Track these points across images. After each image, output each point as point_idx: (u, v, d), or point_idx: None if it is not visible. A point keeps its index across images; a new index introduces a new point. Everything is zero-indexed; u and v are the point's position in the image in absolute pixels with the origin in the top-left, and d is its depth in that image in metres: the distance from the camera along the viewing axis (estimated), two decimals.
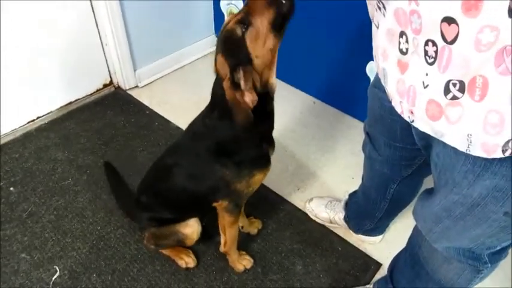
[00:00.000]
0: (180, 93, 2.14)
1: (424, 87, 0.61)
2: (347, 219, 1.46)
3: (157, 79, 2.24)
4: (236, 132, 0.97)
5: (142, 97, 2.11)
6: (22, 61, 1.76)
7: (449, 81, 0.57)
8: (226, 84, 0.89)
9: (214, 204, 1.16)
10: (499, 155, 0.57)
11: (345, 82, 1.95)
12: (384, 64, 0.71)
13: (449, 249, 0.85)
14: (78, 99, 2.05)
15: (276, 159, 1.13)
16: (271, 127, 1.07)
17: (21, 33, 1.70)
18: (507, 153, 0.57)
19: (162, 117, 1.98)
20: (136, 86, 2.17)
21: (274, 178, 1.60)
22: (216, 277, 1.36)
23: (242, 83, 0.88)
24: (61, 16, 1.79)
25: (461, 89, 0.56)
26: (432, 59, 0.58)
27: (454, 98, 0.57)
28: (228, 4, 2.22)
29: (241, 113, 0.90)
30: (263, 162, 1.09)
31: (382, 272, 1.38)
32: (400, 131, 0.95)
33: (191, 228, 1.23)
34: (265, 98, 0.97)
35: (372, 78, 1.67)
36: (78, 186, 1.64)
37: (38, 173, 1.68)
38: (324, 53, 1.93)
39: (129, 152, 1.80)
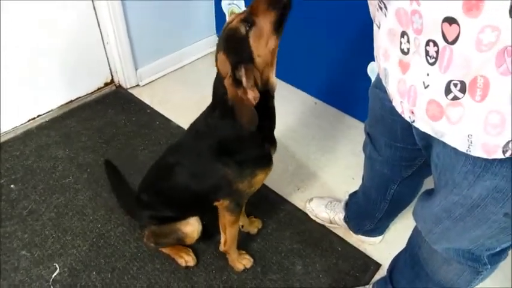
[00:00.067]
0: (181, 93, 2.14)
1: (425, 88, 0.61)
2: (347, 219, 1.46)
3: (159, 78, 2.24)
4: (238, 131, 0.97)
5: (144, 96, 2.11)
6: (23, 59, 1.77)
7: (450, 81, 0.57)
8: (228, 82, 0.90)
9: (216, 203, 1.16)
10: (499, 155, 0.57)
11: (346, 82, 1.95)
12: (385, 64, 0.71)
13: (449, 250, 0.85)
14: (79, 97, 2.05)
15: (277, 159, 1.13)
16: (272, 126, 1.07)
17: (22, 32, 1.71)
18: (507, 154, 0.57)
19: (163, 116, 1.98)
20: (138, 85, 2.17)
21: (274, 178, 1.60)
22: (216, 276, 1.36)
23: (244, 80, 0.88)
24: (63, 15, 1.79)
25: (462, 89, 0.56)
26: (433, 59, 0.58)
27: (455, 98, 0.57)
28: (229, 4, 2.22)
29: (244, 112, 0.90)
30: (265, 161, 1.09)
31: (382, 272, 1.38)
32: (400, 132, 0.95)
33: (191, 227, 1.24)
34: (266, 96, 0.97)
35: (373, 79, 1.67)
36: (79, 184, 1.64)
37: (39, 171, 1.69)
38: (325, 54, 1.93)
39: (130, 150, 1.80)
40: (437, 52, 0.56)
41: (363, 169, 1.27)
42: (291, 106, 2.05)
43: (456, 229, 0.77)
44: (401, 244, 1.11)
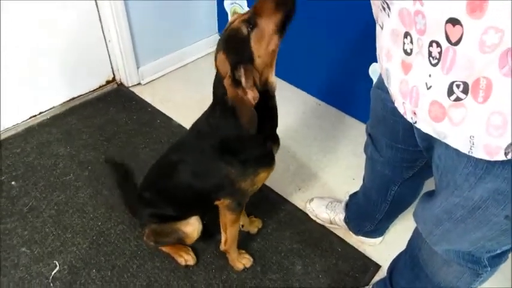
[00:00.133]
0: (182, 92, 2.15)
1: (427, 89, 0.61)
2: (347, 220, 1.46)
3: (160, 77, 2.24)
4: (239, 130, 0.97)
5: (145, 94, 2.11)
6: (25, 56, 1.77)
7: (452, 82, 0.56)
8: (227, 82, 0.90)
9: (217, 202, 1.16)
10: (501, 157, 0.57)
11: (348, 83, 1.95)
12: (388, 65, 0.71)
13: (449, 252, 0.85)
14: (81, 95, 2.06)
15: (278, 159, 1.13)
16: (274, 125, 1.08)
17: (24, 30, 1.71)
18: (509, 156, 0.57)
19: (164, 115, 1.99)
20: (139, 83, 2.17)
21: (275, 178, 1.60)
22: (216, 275, 1.36)
23: (243, 80, 0.88)
24: (66, 13, 1.80)
25: (465, 91, 0.56)
26: (436, 60, 0.57)
27: (458, 99, 0.57)
28: (232, 3, 2.22)
29: (244, 112, 0.90)
30: (267, 160, 1.09)
31: (381, 273, 1.38)
32: (402, 133, 0.95)
33: (192, 227, 1.24)
34: (266, 96, 0.97)
35: (374, 80, 1.67)
36: (79, 181, 1.64)
37: (40, 168, 1.69)
38: (327, 54, 1.93)
39: (131, 148, 1.80)
40: (440, 53, 0.56)
41: (364, 170, 1.27)
42: (292, 106, 2.05)
43: (457, 231, 0.77)
44: (401, 245, 1.11)
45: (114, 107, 2.02)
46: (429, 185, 0.98)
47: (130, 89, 2.14)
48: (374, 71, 1.76)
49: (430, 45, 0.57)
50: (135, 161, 1.72)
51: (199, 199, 1.19)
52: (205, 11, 2.29)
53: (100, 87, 2.11)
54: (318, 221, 1.53)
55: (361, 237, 1.46)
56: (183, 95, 2.12)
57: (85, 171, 1.68)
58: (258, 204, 1.51)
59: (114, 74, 2.14)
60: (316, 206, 1.54)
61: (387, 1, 0.65)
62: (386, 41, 0.69)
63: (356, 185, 1.41)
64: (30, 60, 1.79)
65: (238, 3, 2.19)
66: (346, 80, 1.94)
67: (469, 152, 0.61)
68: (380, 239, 1.47)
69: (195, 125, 1.14)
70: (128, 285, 1.32)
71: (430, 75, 0.60)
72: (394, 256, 1.18)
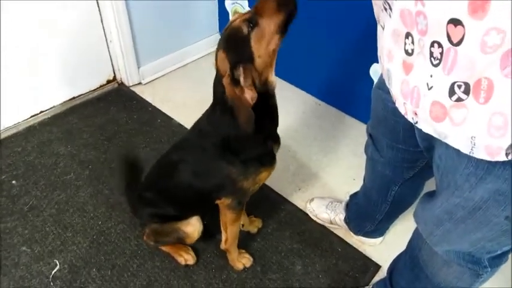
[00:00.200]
0: (183, 91, 2.15)
1: (429, 89, 0.61)
2: (347, 220, 1.46)
3: (161, 76, 2.24)
4: (238, 129, 0.98)
5: (146, 94, 2.11)
6: (27, 56, 1.77)
7: (454, 83, 0.56)
8: (226, 81, 0.90)
9: (217, 201, 1.16)
10: (502, 158, 0.57)
11: (348, 83, 1.95)
12: (389, 65, 0.71)
13: (450, 253, 0.85)
14: (82, 94, 2.06)
15: (278, 158, 1.13)
16: (275, 124, 1.08)
17: (25, 29, 1.71)
18: (510, 157, 0.57)
19: (165, 115, 1.99)
20: (140, 83, 2.18)
21: (275, 178, 1.60)
22: (216, 275, 1.36)
23: (242, 79, 0.88)
24: (68, 13, 1.80)
25: (466, 91, 0.56)
26: (437, 61, 0.57)
27: (459, 99, 0.57)
28: (233, 3, 2.22)
29: (242, 111, 0.91)
30: (268, 159, 1.09)
31: (381, 274, 1.38)
32: (402, 133, 0.95)
33: (192, 227, 1.24)
34: (266, 95, 0.97)
35: (375, 81, 1.67)
36: (80, 181, 1.64)
37: (40, 167, 1.69)
38: (328, 54, 1.93)
39: (132, 148, 1.80)
40: (441, 53, 0.56)
41: (364, 170, 1.27)
42: (293, 106, 2.05)
43: (457, 231, 0.77)
44: (401, 246, 1.11)
45: (114, 106, 2.03)
46: (430, 185, 0.98)
47: (131, 88, 2.15)
48: (375, 71, 1.76)
49: (432, 45, 0.57)
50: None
51: (200, 198, 1.19)
52: (206, 11, 2.29)
53: (101, 86, 2.12)
54: (318, 221, 1.53)
55: (362, 238, 1.46)
56: (183, 94, 2.12)
57: (85, 170, 1.68)
58: (258, 204, 1.51)
59: (114, 73, 2.14)
60: (317, 206, 1.54)
61: (389, 1, 0.65)
62: (387, 41, 0.69)
63: (356, 185, 1.41)
64: (31, 60, 1.79)
65: (239, 3, 2.19)
66: (347, 80, 1.94)
67: (470, 153, 0.61)
68: (380, 239, 1.47)
69: (197, 124, 1.14)
70: (128, 284, 1.32)
71: (431, 76, 0.60)
72: (394, 256, 1.18)
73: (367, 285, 1.34)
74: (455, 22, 0.52)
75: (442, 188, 0.76)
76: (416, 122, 0.69)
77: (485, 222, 0.70)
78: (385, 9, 0.68)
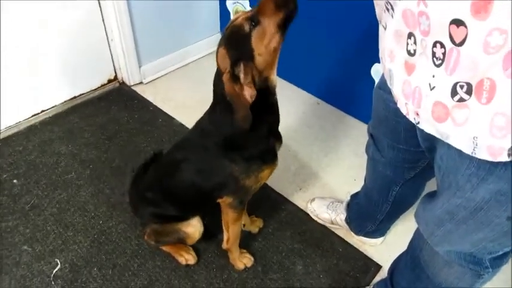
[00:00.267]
0: (184, 91, 2.15)
1: (431, 89, 0.61)
2: (348, 220, 1.46)
3: (162, 76, 2.24)
4: (237, 127, 0.98)
5: (147, 93, 2.12)
6: (26, 55, 1.77)
7: (456, 83, 0.56)
8: (225, 77, 0.90)
9: (219, 200, 1.17)
10: (504, 158, 0.57)
11: (349, 83, 1.95)
12: (391, 65, 0.71)
13: (451, 253, 0.85)
14: (83, 93, 2.06)
15: (279, 158, 1.13)
16: (276, 121, 1.08)
17: (27, 28, 1.71)
18: None
19: (166, 114, 1.99)
20: (141, 82, 2.18)
21: (276, 178, 1.60)
22: (217, 274, 1.36)
23: (242, 76, 0.89)
24: (69, 13, 1.80)
25: (469, 91, 0.56)
26: (440, 61, 0.57)
27: (461, 100, 0.57)
28: (234, 3, 2.22)
29: (240, 108, 0.91)
30: (270, 157, 1.09)
31: (382, 274, 1.38)
32: (404, 133, 0.95)
33: (193, 228, 1.24)
34: (266, 93, 0.97)
35: (376, 81, 1.67)
36: (81, 180, 1.64)
37: (41, 166, 1.69)
38: (328, 54, 1.93)
39: (133, 147, 1.81)
40: (444, 54, 0.56)
41: (365, 170, 1.27)
42: (293, 106, 2.05)
43: (458, 232, 0.77)
44: (402, 246, 1.11)
45: (116, 105, 2.03)
46: (431, 185, 0.98)
47: (132, 88, 2.15)
48: (376, 71, 1.76)
49: (434, 46, 0.57)
50: (137, 160, 1.72)
51: (202, 197, 1.19)
52: (207, 11, 2.29)
53: (102, 86, 2.12)
54: (319, 221, 1.53)
55: (362, 238, 1.46)
56: (184, 94, 2.12)
57: (87, 169, 1.69)
58: (259, 204, 1.51)
59: (116, 73, 2.14)
60: (318, 206, 1.54)
61: (391, 2, 0.65)
62: (389, 41, 0.69)
63: (357, 186, 1.41)
64: (31, 59, 1.79)
65: (240, 2, 2.19)
66: (348, 79, 1.94)
67: (472, 153, 0.61)
68: (381, 239, 1.47)
69: (198, 123, 1.14)
70: (129, 283, 1.32)
71: (433, 76, 0.60)
72: (395, 257, 1.18)
73: (368, 285, 1.34)
74: (457, 22, 0.52)
75: (443, 188, 0.76)
76: (418, 123, 0.69)
77: (486, 223, 0.70)
78: (387, 9, 0.68)
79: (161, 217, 1.26)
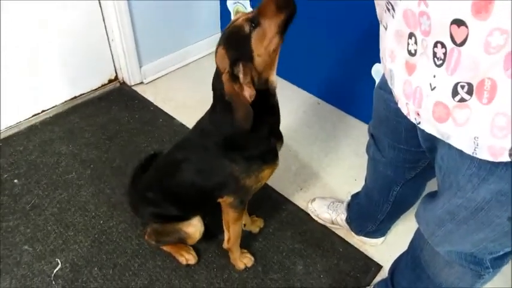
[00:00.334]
0: (184, 91, 2.15)
1: (432, 89, 0.61)
2: (349, 220, 1.46)
3: (163, 76, 2.24)
4: (238, 127, 0.98)
5: (147, 93, 2.12)
6: (26, 55, 1.77)
7: (457, 83, 0.56)
8: (225, 77, 0.90)
9: (219, 200, 1.17)
10: (505, 158, 0.57)
11: (349, 83, 1.95)
12: (391, 65, 0.71)
13: (451, 253, 0.85)
14: (83, 93, 2.06)
15: (280, 158, 1.13)
16: (277, 121, 1.08)
17: (27, 27, 1.71)
18: None
19: (167, 114, 1.99)
20: (142, 82, 2.18)
21: (277, 178, 1.60)
22: (217, 274, 1.36)
23: (241, 76, 0.89)
24: (70, 13, 1.80)
25: (470, 92, 0.56)
26: (440, 61, 0.57)
27: (462, 100, 0.57)
28: (234, 3, 2.22)
29: (240, 108, 0.91)
30: (271, 157, 1.09)
31: (383, 274, 1.38)
32: (404, 133, 0.95)
33: (194, 228, 1.24)
34: (266, 94, 0.98)
35: (377, 81, 1.67)
36: (82, 180, 1.64)
37: (42, 166, 1.69)
38: (329, 54, 1.93)
39: (133, 147, 1.81)
40: (445, 54, 0.56)
41: (366, 170, 1.27)
42: (293, 106, 2.05)
43: (459, 232, 0.77)
44: (402, 246, 1.11)
45: (116, 105, 2.03)
46: (431, 185, 0.98)
47: (133, 88, 2.15)
48: (376, 71, 1.76)
49: (435, 46, 0.57)
50: (137, 160, 1.72)
51: (202, 197, 1.19)
52: (208, 11, 2.29)
53: (102, 86, 2.12)
54: (319, 221, 1.53)
55: (363, 238, 1.46)
56: (185, 94, 2.12)
57: (87, 169, 1.69)
58: (259, 204, 1.51)
59: (116, 73, 2.14)
60: (318, 206, 1.54)
61: (391, 2, 0.65)
62: (390, 41, 0.69)
63: (358, 186, 1.41)
64: (32, 59, 1.79)
65: (241, 2, 2.19)
66: (348, 79, 1.94)
67: (473, 153, 0.61)
68: (382, 239, 1.47)
69: (199, 123, 1.14)
70: (130, 283, 1.32)
71: (434, 76, 0.60)
72: (396, 257, 1.18)
73: (369, 285, 1.34)
74: (458, 23, 0.52)
75: (444, 188, 0.76)
76: (419, 123, 0.69)
77: (487, 223, 0.70)
78: (388, 9, 0.68)
79: (162, 217, 1.26)
